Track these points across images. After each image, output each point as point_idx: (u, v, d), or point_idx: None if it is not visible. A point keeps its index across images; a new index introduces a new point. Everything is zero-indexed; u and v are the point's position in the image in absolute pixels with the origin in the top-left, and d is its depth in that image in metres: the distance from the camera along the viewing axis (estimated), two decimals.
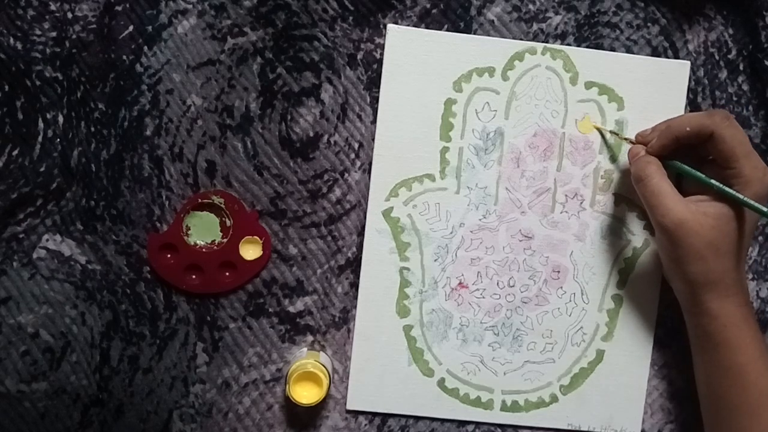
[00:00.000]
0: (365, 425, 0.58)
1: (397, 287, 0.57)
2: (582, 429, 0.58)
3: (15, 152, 0.55)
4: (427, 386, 0.57)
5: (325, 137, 0.56)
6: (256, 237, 0.56)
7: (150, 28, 0.55)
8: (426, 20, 0.56)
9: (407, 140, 0.56)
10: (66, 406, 0.55)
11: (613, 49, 0.57)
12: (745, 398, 0.51)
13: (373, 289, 0.57)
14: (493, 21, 0.56)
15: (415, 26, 0.56)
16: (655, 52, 0.57)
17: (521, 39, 0.56)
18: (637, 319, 0.58)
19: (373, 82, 0.56)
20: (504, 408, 0.58)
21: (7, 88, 0.54)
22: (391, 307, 0.57)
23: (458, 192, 0.57)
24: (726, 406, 0.52)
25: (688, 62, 0.57)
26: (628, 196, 0.57)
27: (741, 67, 0.58)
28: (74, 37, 0.55)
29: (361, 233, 0.57)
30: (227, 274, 0.56)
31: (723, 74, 0.58)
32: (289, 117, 0.56)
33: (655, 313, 0.58)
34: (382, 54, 0.56)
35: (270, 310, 0.57)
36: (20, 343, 0.55)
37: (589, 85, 0.56)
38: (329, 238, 0.57)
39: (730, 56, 0.57)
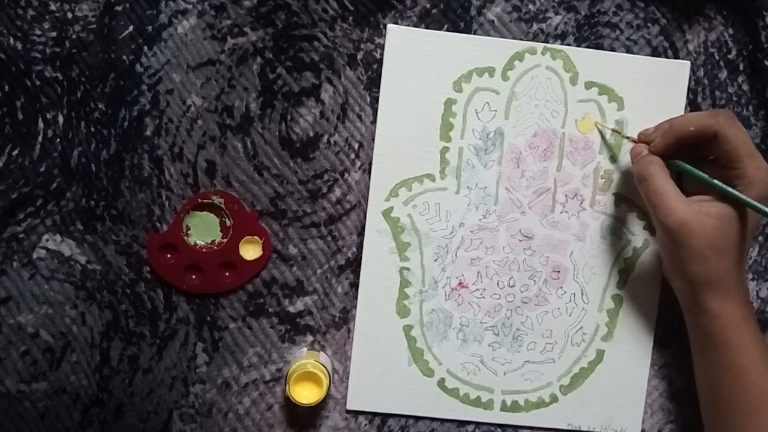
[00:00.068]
0: (365, 425, 0.58)
1: (397, 287, 0.57)
2: (582, 429, 0.58)
3: (15, 152, 0.55)
4: (427, 386, 0.57)
5: (325, 137, 0.56)
6: (256, 237, 0.56)
7: (150, 28, 0.55)
8: (426, 20, 0.56)
9: (407, 140, 0.56)
10: (66, 406, 0.55)
11: (613, 49, 0.57)
12: (745, 398, 0.51)
13: (373, 289, 0.57)
14: (493, 21, 0.56)
15: (415, 26, 0.56)
16: (655, 52, 0.57)
17: (521, 39, 0.56)
18: (637, 319, 0.58)
19: (373, 82, 0.56)
20: (504, 408, 0.58)
21: (7, 88, 0.54)
22: (391, 307, 0.57)
23: (458, 192, 0.57)
24: (726, 406, 0.52)
25: (688, 62, 0.57)
26: (628, 196, 0.57)
27: (741, 67, 0.58)
28: (74, 37, 0.55)
29: (361, 233, 0.57)
30: (227, 274, 0.56)
31: (723, 74, 0.58)
32: (289, 117, 0.56)
33: (655, 313, 0.58)
34: (382, 54, 0.56)
35: (270, 310, 0.57)
36: (20, 343, 0.55)
37: (589, 85, 0.56)
38: (329, 238, 0.57)
39: (730, 56, 0.57)
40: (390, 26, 0.56)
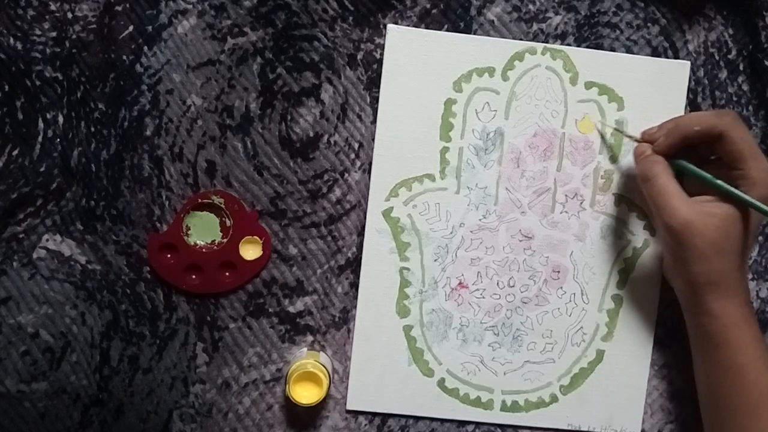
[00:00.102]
0: (365, 425, 0.58)
1: (397, 287, 0.57)
2: (582, 429, 0.58)
3: (15, 152, 0.55)
4: (427, 386, 0.57)
5: (325, 137, 0.56)
6: (256, 237, 0.56)
7: (150, 28, 0.55)
8: (426, 20, 0.56)
9: (407, 140, 0.56)
10: (66, 406, 0.55)
11: (613, 49, 0.57)
12: (745, 398, 0.51)
13: (373, 289, 0.57)
14: (493, 21, 0.56)
15: (415, 26, 0.56)
16: (655, 52, 0.57)
17: (521, 39, 0.56)
18: (637, 319, 0.58)
19: (373, 82, 0.56)
20: (504, 408, 0.58)
21: (7, 88, 0.54)
22: (391, 307, 0.57)
23: (458, 192, 0.57)
24: (726, 406, 0.52)
25: (688, 62, 0.57)
26: (628, 196, 0.57)
27: (741, 67, 0.58)
28: (74, 37, 0.55)
29: (361, 233, 0.57)
30: (227, 274, 0.56)
31: (723, 74, 0.58)
32: (289, 117, 0.56)
33: (655, 313, 0.58)
34: (382, 54, 0.56)
35: (270, 310, 0.57)
36: (20, 343, 0.55)
37: (589, 85, 0.56)
38: (329, 238, 0.57)
39: (730, 56, 0.57)
40: (390, 26, 0.56)
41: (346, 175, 0.57)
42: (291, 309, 0.57)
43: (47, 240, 0.55)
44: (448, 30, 0.56)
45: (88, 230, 0.56)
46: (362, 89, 0.56)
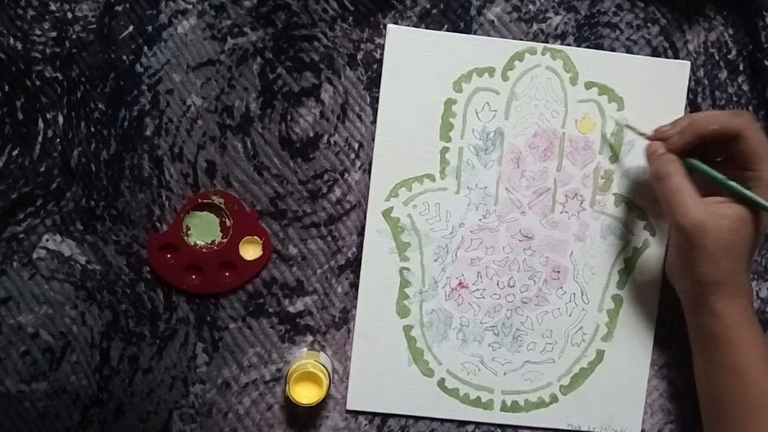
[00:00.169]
0: (365, 425, 0.58)
1: (397, 287, 0.57)
2: (582, 429, 0.58)
3: (15, 152, 0.55)
4: (427, 386, 0.57)
5: (325, 137, 0.56)
6: (256, 237, 0.56)
7: (150, 28, 0.55)
8: (426, 20, 0.56)
9: (407, 140, 0.56)
10: (66, 406, 0.55)
11: (613, 50, 0.57)
12: (746, 398, 0.51)
13: (373, 289, 0.57)
14: (493, 21, 0.56)
15: (415, 26, 0.56)
16: (655, 52, 0.57)
17: (521, 39, 0.56)
18: (637, 319, 0.58)
19: (373, 82, 0.56)
20: (504, 408, 0.58)
21: (7, 88, 0.54)
22: (391, 307, 0.57)
23: (458, 192, 0.57)
24: (726, 406, 0.52)
25: (688, 62, 0.57)
26: (628, 196, 0.57)
27: (741, 67, 0.58)
28: (74, 37, 0.55)
29: (361, 233, 0.57)
30: (227, 274, 0.56)
31: (723, 74, 0.58)
32: (289, 117, 0.56)
33: (655, 313, 0.58)
34: (382, 54, 0.56)
35: (270, 310, 0.57)
36: (20, 343, 0.55)
37: (589, 85, 0.56)
38: (329, 238, 0.57)
39: (730, 56, 0.57)
40: (390, 26, 0.56)
41: (346, 175, 0.57)
42: (291, 309, 0.57)
43: (47, 240, 0.55)
44: (448, 30, 0.56)
45: (88, 230, 0.56)
46: (362, 89, 0.56)
